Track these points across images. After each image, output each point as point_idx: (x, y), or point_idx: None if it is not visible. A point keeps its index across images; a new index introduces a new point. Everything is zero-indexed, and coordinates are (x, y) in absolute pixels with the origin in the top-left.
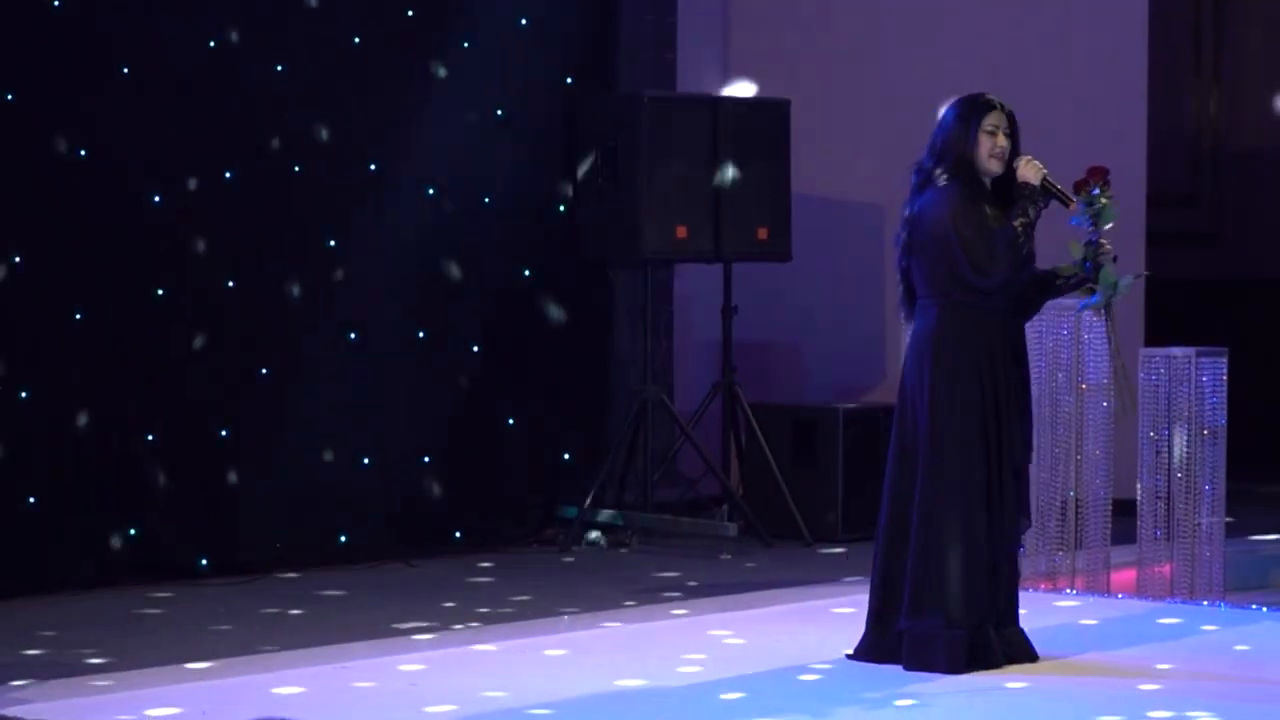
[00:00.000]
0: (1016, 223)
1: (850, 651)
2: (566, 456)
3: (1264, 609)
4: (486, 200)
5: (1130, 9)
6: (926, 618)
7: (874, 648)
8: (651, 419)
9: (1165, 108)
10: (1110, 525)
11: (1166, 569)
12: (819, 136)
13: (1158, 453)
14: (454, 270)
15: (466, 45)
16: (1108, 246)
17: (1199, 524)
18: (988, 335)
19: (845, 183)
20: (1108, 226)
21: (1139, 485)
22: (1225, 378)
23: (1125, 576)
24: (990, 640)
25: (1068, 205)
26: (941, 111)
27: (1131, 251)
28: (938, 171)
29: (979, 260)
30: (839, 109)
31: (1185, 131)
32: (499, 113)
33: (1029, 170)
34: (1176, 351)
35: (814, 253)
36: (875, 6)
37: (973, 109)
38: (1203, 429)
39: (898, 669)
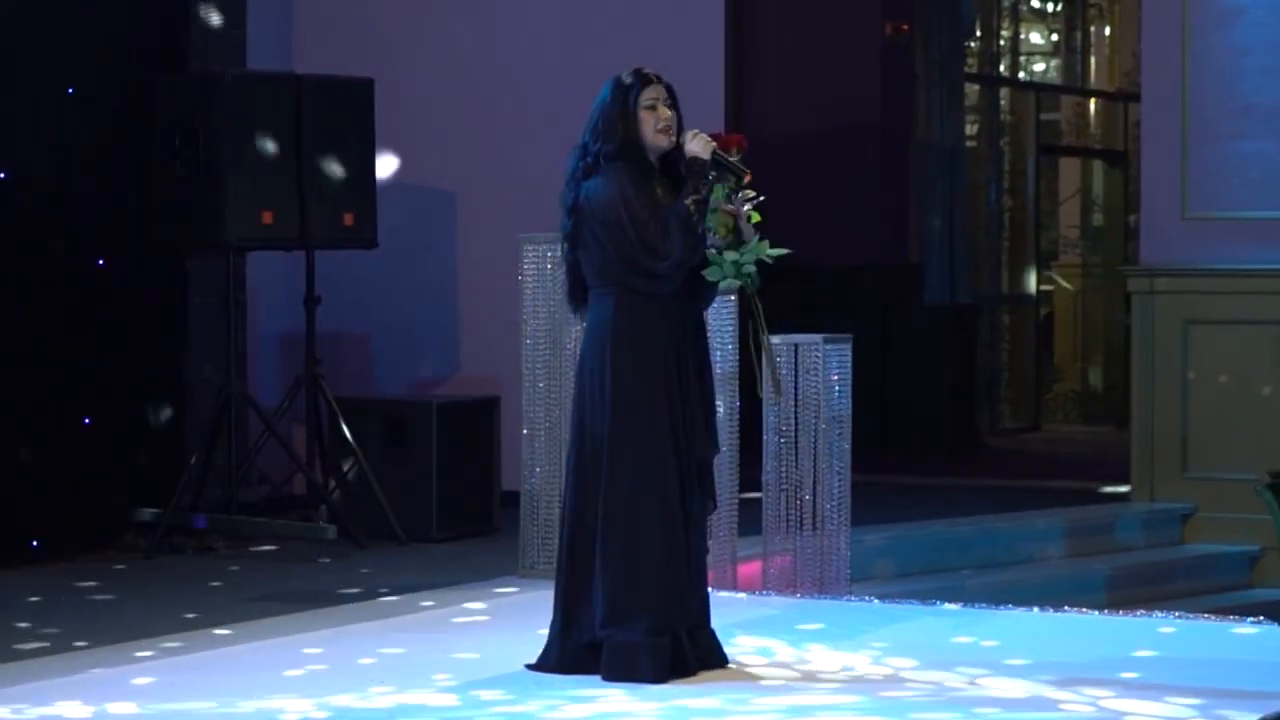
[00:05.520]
0: (688, 200)
1: (532, 662)
2: (145, 458)
3: (920, 603)
4: (57, 187)
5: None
6: (628, 625)
7: (560, 658)
8: (234, 416)
9: None
10: (737, 518)
11: (788, 560)
12: (390, 118)
13: (783, 442)
14: (24, 263)
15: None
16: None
17: (825, 516)
18: (668, 321)
19: (417, 168)
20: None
21: (763, 477)
22: (850, 365)
23: (751, 569)
24: (684, 645)
25: (741, 178)
26: (599, 94)
27: None
28: (602, 153)
29: (652, 241)
30: (411, 89)
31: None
32: (70, 91)
33: (697, 144)
34: (802, 339)
35: (386, 240)
36: None
37: (629, 85)
38: (830, 418)
39: (594, 678)
